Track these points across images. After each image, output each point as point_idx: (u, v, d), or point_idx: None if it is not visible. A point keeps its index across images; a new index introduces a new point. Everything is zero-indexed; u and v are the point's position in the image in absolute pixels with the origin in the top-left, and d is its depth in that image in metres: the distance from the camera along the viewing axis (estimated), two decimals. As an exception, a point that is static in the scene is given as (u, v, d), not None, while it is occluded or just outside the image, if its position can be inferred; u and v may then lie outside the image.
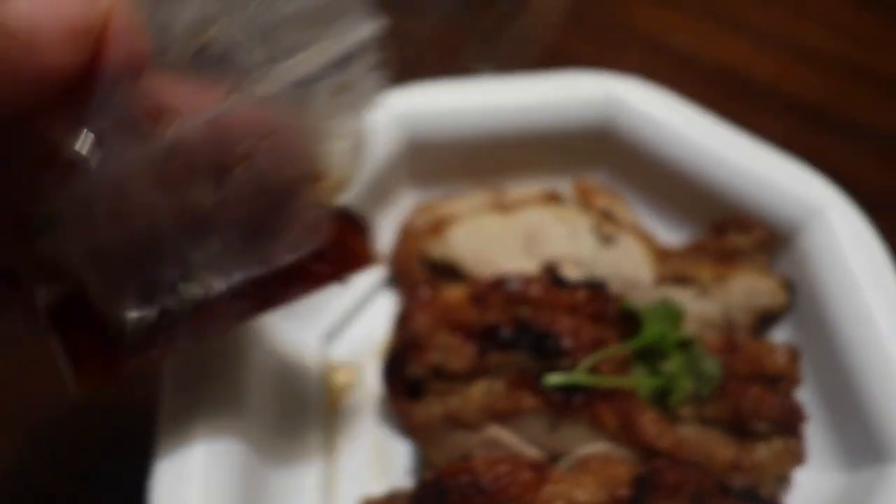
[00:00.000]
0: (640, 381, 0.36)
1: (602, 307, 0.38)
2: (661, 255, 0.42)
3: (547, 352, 0.36)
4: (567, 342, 0.36)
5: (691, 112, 0.44)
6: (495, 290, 0.38)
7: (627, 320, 0.38)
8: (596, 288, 0.38)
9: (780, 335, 0.42)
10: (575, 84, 0.45)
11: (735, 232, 0.42)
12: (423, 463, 0.39)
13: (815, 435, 0.38)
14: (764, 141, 0.43)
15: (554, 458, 0.36)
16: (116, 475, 0.37)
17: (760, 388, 0.37)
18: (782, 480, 0.37)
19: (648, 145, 0.44)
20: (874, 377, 0.36)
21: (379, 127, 0.41)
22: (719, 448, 0.36)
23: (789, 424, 0.37)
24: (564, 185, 0.46)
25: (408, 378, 0.38)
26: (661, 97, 0.44)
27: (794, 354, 0.38)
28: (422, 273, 0.42)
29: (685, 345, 0.37)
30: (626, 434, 0.35)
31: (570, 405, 0.35)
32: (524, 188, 0.46)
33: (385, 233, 0.45)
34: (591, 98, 0.45)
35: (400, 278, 0.44)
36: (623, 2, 0.60)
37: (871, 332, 0.37)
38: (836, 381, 0.38)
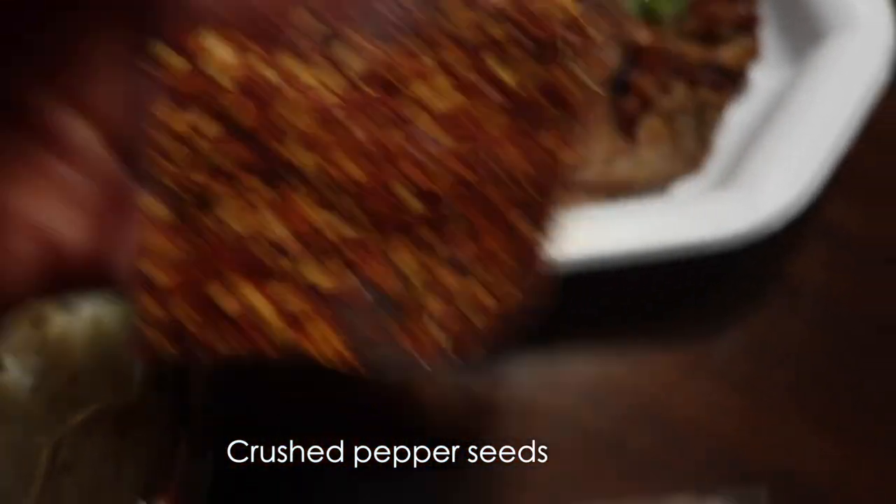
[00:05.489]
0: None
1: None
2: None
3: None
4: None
5: None
6: None
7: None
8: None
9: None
10: None
11: None
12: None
13: (768, 37, 0.48)
14: None
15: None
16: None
17: (724, 1, 0.47)
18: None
19: None
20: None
21: None
22: (693, 50, 0.47)
23: (748, 27, 0.47)
24: None
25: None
26: None
27: (750, -27, 0.47)
28: None
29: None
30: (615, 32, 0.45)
31: None
32: None
33: None
34: None
35: None
36: None
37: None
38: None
